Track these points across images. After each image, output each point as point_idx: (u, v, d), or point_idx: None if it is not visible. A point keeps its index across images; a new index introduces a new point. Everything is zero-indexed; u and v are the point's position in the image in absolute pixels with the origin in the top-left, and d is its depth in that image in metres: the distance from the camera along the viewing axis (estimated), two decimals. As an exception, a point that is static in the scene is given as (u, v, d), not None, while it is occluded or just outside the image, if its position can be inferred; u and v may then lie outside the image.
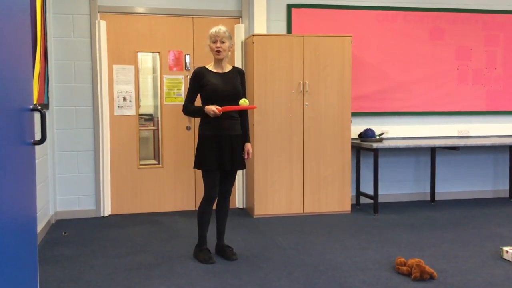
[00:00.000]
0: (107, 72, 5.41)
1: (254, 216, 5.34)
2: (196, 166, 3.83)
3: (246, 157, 3.93)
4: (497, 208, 5.76)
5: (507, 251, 3.86)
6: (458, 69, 6.19)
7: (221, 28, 3.78)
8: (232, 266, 3.74)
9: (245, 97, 3.90)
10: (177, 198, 5.70)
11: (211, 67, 3.88)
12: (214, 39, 3.77)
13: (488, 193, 6.43)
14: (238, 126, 3.87)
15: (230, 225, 4.99)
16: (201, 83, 3.79)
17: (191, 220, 5.22)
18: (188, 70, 5.62)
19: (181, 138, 5.66)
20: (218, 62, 3.85)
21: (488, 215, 5.40)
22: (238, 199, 5.80)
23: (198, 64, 5.60)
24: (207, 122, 3.78)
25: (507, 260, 3.83)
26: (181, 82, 5.61)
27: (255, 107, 4.06)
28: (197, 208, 5.69)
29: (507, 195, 6.40)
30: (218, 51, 3.78)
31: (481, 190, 6.41)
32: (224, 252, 3.94)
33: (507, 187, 6.42)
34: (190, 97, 3.86)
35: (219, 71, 3.85)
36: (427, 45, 6.09)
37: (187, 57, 5.61)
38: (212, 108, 3.67)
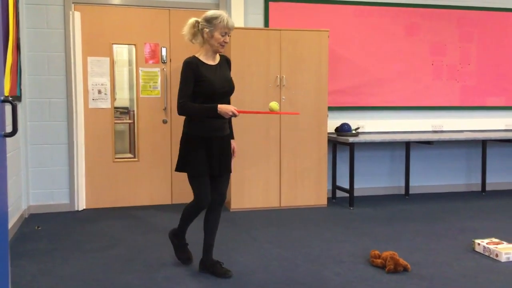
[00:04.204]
0: (81, 64, 5.32)
1: (231, 210, 5.34)
2: (181, 169, 3.37)
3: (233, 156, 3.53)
4: (470, 202, 5.87)
5: (478, 244, 3.94)
6: (433, 64, 6.28)
7: (232, 21, 3.28)
8: (209, 260, 3.73)
9: None
10: (153, 191, 5.65)
11: (202, 57, 3.32)
12: (226, 31, 3.26)
13: (461, 187, 6.54)
14: (227, 125, 3.44)
15: (207, 219, 4.98)
16: (196, 76, 3.24)
17: (167, 214, 5.19)
18: (164, 63, 5.56)
19: (158, 131, 5.61)
20: (213, 53, 3.34)
21: (461, 209, 5.50)
22: (214, 193, 5.79)
23: (176, 57, 5.57)
24: (198, 121, 3.30)
25: (479, 252, 3.91)
26: (157, 75, 5.55)
27: (298, 113, 3.51)
28: (173, 202, 5.68)
29: (480, 189, 6.53)
30: (223, 46, 3.30)
31: (455, 184, 6.52)
32: (215, 268, 3.41)
33: (479, 181, 6.55)
34: (186, 93, 3.24)
35: (211, 62, 3.34)
36: (403, 41, 6.16)
37: (164, 50, 5.55)
38: (231, 109, 3.20)
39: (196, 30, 3.32)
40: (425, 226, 4.73)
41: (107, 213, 5.28)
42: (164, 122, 5.60)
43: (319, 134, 5.49)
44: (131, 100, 5.68)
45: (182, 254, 3.64)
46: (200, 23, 3.29)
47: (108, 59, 5.42)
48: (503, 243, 3.91)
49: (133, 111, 5.63)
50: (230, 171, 3.47)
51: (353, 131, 5.76)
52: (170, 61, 5.57)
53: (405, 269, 3.47)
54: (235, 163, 5.29)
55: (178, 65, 5.59)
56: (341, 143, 5.64)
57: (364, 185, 6.21)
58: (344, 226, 4.75)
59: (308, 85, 5.42)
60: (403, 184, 6.31)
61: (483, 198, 6.12)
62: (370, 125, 6.12)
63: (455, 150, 6.50)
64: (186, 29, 3.36)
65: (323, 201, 5.57)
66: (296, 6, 5.79)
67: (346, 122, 5.87)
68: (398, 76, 6.16)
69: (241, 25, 5.57)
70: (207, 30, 3.25)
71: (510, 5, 6.45)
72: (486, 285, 3.24)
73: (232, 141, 3.51)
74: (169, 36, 5.57)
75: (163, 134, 5.63)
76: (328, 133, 5.73)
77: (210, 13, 3.28)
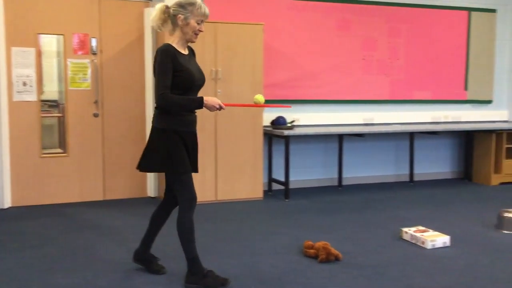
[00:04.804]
0: (4, 54, 5.03)
1: (166, 205, 5.25)
2: (162, 168, 3.09)
3: None
4: (399, 192, 6.11)
5: (406, 232, 4.11)
6: (364, 59, 6.45)
7: (207, 8, 3.12)
8: (142, 256, 3.66)
9: None
10: (84, 188, 5.46)
11: (175, 46, 3.07)
12: (203, 19, 3.08)
13: (391, 178, 6.80)
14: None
15: (142, 215, 4.88)
16: (174, 66, 2.99)
17: (99, 211, 5.04)
18: (94, 54, 5.37)
19: (88, 125, 5.42)
20: (185, 42, 3.13)
21: (390, 198, 5.71)
22: (149, 187, 5.68)
23: (107, 48, 5.41)
24: (172, 115, 3.04)
25: (406, 240, 4.08)
26: (87, 67, 5.35)
27: (289, 107, 3.37)
28: (105, 198, 5.52)
29: (408, 179, 6.81)
30: (197, 35, 3.11)
31: (384, 174, 6.76)
32: (151, 263, 3.36)
33: (408, 171, 6.83)
34: (166, 84, 2.95)
35: (183, 52, 3.11)
36: (335, 35, 6.28)
37: (94, 41, 5.35)
38: (218, 102, 3.04)
39: (167, 16, 3.07)
40: (356, 216, 4.87)
41: (35, 210, 5.05)
42: (95, 115, 5.42)
43: (255, 127, 5.51)
44: (60, 92, 5.45)
45: (215, 279, 3.12)
46: (173, 8, 3.04)
47: (33, 49, 5.16)
48: (429, 231, 4.10)
49: (63, 104, 5.40)
50: (197, 171, 3.24)
51: (288, 124, 5.83)
52: (101, 52, 5.39)
53: (337, 258, 3.56)
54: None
55: (109, 57, 5.42)
56: (277, 136, 5.69)
57: (300, 177, 6.31)
58: (279, 218, 4.81)
59: (244, 78, 5.42)
60: (336, 175, 6.47)
61: (411, 188, 6.39)
62: (304, 118, 6.21)
63: (385, 142, 6.74)
64: (155, 15, 3.07)
65: (259, 194, 5.60)
66: (231, -2, 5.76)
67: (282, 115, 5.92)
68: (331, 70, 6.29)
69: (175, 16, 5.46)
70: (182, 16, 3.02)
71: (436, 2, 6.74)
72: (413, 272, 3.38)
73: None
74: (100, 26, 5.38)
75: (94, 128, 5.44)
76: (264, 126, 5.76)
77: None
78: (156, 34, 5.45)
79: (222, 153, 5.42)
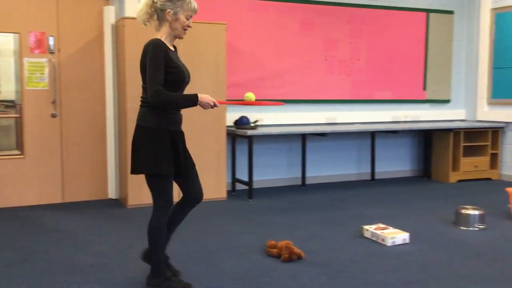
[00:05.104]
0: (-44, 52, 4.86)
1: (128, 207, 5.17)
2: (147, 168, 2.90)
3: None
4: (360, 190, 6.20)
5: (367, 230, 4.17)
6: (326, 59, 6.52)
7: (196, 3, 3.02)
8: (102, 260, 3.59)
9: None
10: (42, 190, 5.31)
11: (164, 41, 2.95)
12: (192, 14, 2.97)
13: (353, 176, 6.89)
14: None
15: (102, 217, 4.79)
16: (166, 62, 2.87)
17: (56, 214, 4.91)
18: (52, 53, 5.23)
19: (46, 126, 5.27)
20: (173, 38, 3.01)
21: (352, 197, 5.78)
22: (110, 189, 5.57)
23: (65, 47, 5.28)
24: (162, 113, 2.92)
25: (367, 238, 4.14)
26: (44, 66, 5.21)
27: (282, 104, 3.28)
28: (64, 200, 5.39)
29: (369, 178, 6.92)
30: (186, 30, 3.00)
31: (347, 173, 6.85)
32: (171, 267, 3.21)
33: (369, 170, 6.94)
34: (159, 79, 2.82)
35: (172, 48, 3.00)
36: (298, 36, 6.33)
37: (51, 39, 5.21)
38: (212, 100, 2.91)
39: (153, 11, 2.96)
40: (319, 215, 4.91)
41: (-10, 214, 4.89)
42: (53, 116, 5.28)
43: (218, 128, 5.49)
44: (17, 92, 5.28)
45: (177, 283, 3.04)
46: (160, 2, 2.91)
47: (-12, 48, 5.00)
48: (389, 228, 4.17)
49: (20, 104, 5.24)
50: (191, 170, 3.11)
51: (252, 124, 5.83)
52: (59, 51, 5.26)
53: (299, 257, 3.58)
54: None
55: (67, 55, 5.30)
56: (240, 136, 5.69)
57: (263, 177, 6.32)
58: (243, 218, 4.80)
59: (207, 78, 5.39)
60: (300, 175, 6.51)
61: (372, 186, 6.49)
62: (268, 118, 6.23)
63: (347, 141, 6.82)
64: (141, 9, 2.98)
65: (222, 194, 5.58)
66: (193, -3, 5.71)
67: (245, 115, 5.92)
68: (294, 70, 6.33)
69: (135, 15, 5.38)
70: (170, 11, 2.90)
71: (396, 3, 6.87)
72: (374, 269, 3.43)
73: None
74: (57, 24, 5.25)
75: (52, 129, 5.30)
76: (227, 126, 5.74)
77: None
78: (116, 32, 5.36)
79: (185, 154, 5.36)
